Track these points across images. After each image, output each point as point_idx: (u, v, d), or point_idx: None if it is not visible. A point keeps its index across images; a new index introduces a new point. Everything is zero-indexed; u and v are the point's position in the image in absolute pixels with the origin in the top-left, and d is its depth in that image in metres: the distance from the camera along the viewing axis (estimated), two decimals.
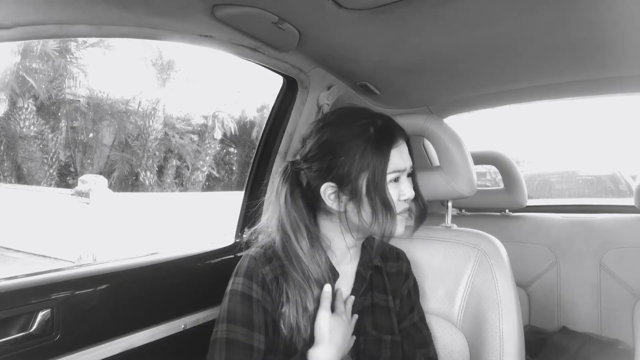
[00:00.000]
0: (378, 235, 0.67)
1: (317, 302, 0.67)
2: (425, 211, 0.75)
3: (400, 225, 0.69)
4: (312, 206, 0.72)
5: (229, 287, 0.68)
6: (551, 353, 1.27)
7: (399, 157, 0.67)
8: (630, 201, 1.53)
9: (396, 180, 0.68)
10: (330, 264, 0.72)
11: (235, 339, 0.62)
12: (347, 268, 0.76)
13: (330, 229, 0.72)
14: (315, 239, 0.69)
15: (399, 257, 0.83)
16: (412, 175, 0.72)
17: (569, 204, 1.92)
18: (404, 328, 0.77)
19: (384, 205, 0.65)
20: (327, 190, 0.67)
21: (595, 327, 1.39)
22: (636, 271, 1.36)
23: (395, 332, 0.75)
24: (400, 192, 0.68)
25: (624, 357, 1.20)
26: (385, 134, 0.67)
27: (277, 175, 0.73)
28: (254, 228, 0.79)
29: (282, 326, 0.66)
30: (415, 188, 0.71)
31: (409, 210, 0.72)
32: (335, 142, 0.67)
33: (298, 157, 0.73)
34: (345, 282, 0.75)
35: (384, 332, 0.74)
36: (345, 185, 0.66)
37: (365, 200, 0.65)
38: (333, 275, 0.72)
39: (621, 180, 5.09)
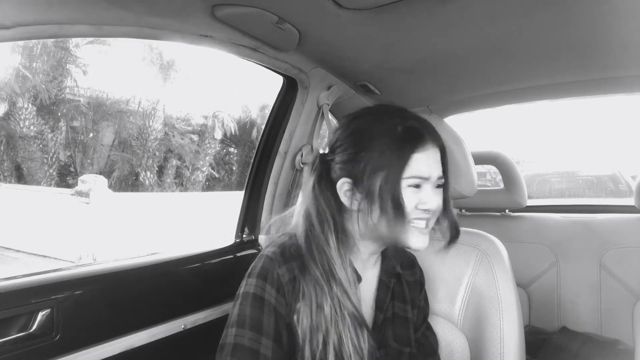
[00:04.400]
0: (387, 243, 0.64)
1: (336, 300, 0.61)
2: (457, 232, 0.69)
3: (419, 239, 0.63)
4: (340, 204, 0.66)
5: (241, 289, 0.63)
6: (551, 353, 1.27)
7: (424, 163, 0.61)
8: (630, 201, 1.53)
9: (417, 187, 0.62)
10: (354, 267, 0.67)
11: (242, 344, 0.58)
12: (369, 275, 0.71)
13: (354, 231, 0.67)
14: (343, 237, 0.64)
15: (414, 264, 0.80)
16: (444, 188, 0.65)
17: (569, 204, 1.92)
18: (417, 338, 0.75)
19: (394, 208, 0.59)
20: (344, 186, 0.64)
21: (595, 327, 1.38)
22: (636, 271, 1.36)
23: (412, 344, 0.72)
24: (420, 200, 0.62)
25: (624, 357, 1.20)
26: (412, 136, 0.62)
27: (308, 167, 0.69)
28: (277, 217, 0.75)
29: (297, 326, 0.61)
30: (446, 203, 0.65)
31: (429, 224, 0.65)
32: (361, 135, 0.63)
33: (327, 150, 0.69)
34: (367, 289, 0.71)
35: (403, 344, 0.71)
36: (360, 183, 0.62)
37: (377, 201, 0.60)
38: (357, 278, 0.67)
39: (621, 180, 5.09)
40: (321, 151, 1.21)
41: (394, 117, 0.64)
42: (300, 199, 0.69)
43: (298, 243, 0.64)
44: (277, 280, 0.62)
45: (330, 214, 0.64)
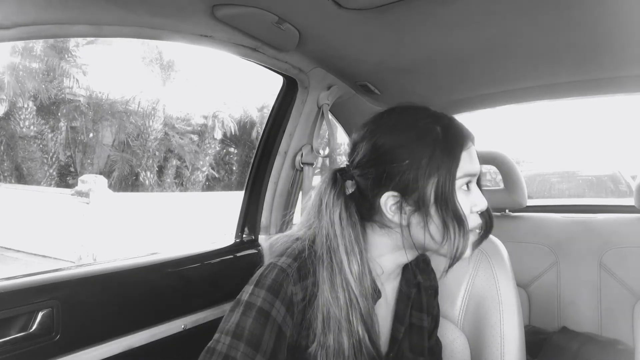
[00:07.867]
0: (447, 256, 0.59)
1: (359, 346, 0.57)
2: (492, 224, 0.66)
3: (470, 248, 0.60)
4: (362, 218, 0.62)
5: (245, 296, 0.57)
6: (551, 353, 1.27)
7: (469, 161, 0.59)
8: (630, 201, 1.53)
9: (467, 187, 0.59)
10: (374, 284, 0.62)
11: (234, 357, 0.53)
12: (390, 286, 0.68)
13: (381, 245, 0.63)
14: (365, 258, 0.60)
15: (428, 266, 0.76)
16: (478, 183, 0.63)
17: (569, 204, 1.92)
18: (429, 346, 0.74)
19: (455, 218, 0.56)
20: (389, 201, 0.58)
21: (595, 327, 1.39)
22: (636, 271, 1.36)
23: (426, 353, 0.70)
24: (472, 203, 0.59)
25: (624, 357, 1.20)
26: (455, 134, 0.59)
27: (324, 185, 0.62)
28: (277, 235, 0.68)
29: (310, 354, 0.58)
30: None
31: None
32: (397, 144, 0.58)
33: (346, 164, 0.64)
34: (387, 301, 0.67)
35: (418, 353, 0.69)
36: (410, 194, 0.57)
37: (432, 210, 0.57)
38: (376, 296, 0.63)
39: (621, 180, 5.09)
40: (322, 152, 1.21)
41: (422, 117, 0.61)
42: (309, 217, 0.63)
43: (313, 256, 0.60)
44: (289, 299, 0.57)
45: (357, 242, 0.59)
